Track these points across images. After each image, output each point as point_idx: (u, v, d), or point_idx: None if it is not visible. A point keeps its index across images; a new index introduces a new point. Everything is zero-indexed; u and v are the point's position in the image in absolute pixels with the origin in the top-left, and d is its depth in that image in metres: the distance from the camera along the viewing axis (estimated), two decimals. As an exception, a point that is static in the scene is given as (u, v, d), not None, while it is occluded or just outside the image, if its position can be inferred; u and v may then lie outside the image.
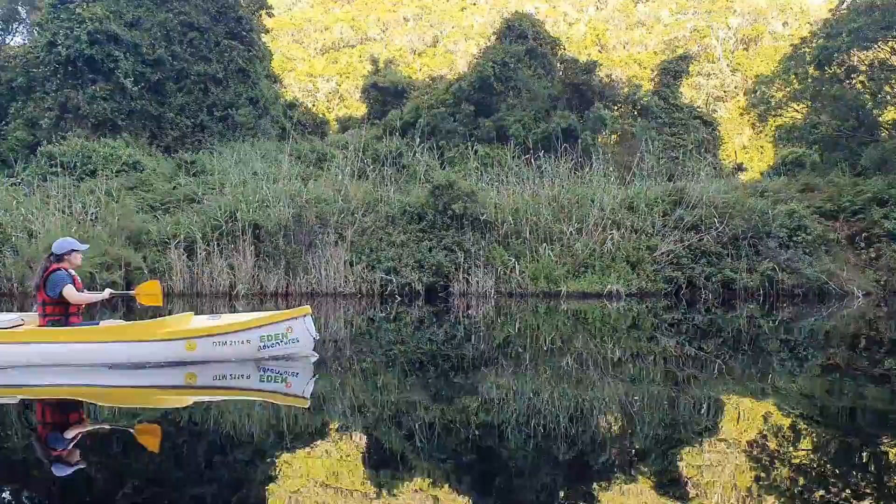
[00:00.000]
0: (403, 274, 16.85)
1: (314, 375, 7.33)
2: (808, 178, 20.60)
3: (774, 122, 24.30)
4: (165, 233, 16.94)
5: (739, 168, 34.38)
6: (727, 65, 52.81)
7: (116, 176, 19.71)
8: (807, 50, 22.99)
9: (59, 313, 7.27)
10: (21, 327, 7.33)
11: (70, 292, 7.17)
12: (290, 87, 54.24)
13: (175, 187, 19.54)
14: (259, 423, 5.69)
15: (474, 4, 65.57)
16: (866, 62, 23.34)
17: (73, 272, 7.43)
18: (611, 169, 20.44)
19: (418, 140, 21.86)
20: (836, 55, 21.95)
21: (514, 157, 21.14)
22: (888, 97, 23.02)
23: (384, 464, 4.73)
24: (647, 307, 15.31)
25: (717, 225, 17.80)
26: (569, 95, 26.36)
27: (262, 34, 28.32)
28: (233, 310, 12.74)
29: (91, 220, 17.01)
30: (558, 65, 27.09)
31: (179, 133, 24.80)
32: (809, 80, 23.32)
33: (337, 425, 5.66)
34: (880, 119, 22.59)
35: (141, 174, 20.20)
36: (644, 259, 17.49)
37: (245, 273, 16.52)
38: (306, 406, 6.22)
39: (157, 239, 16.88)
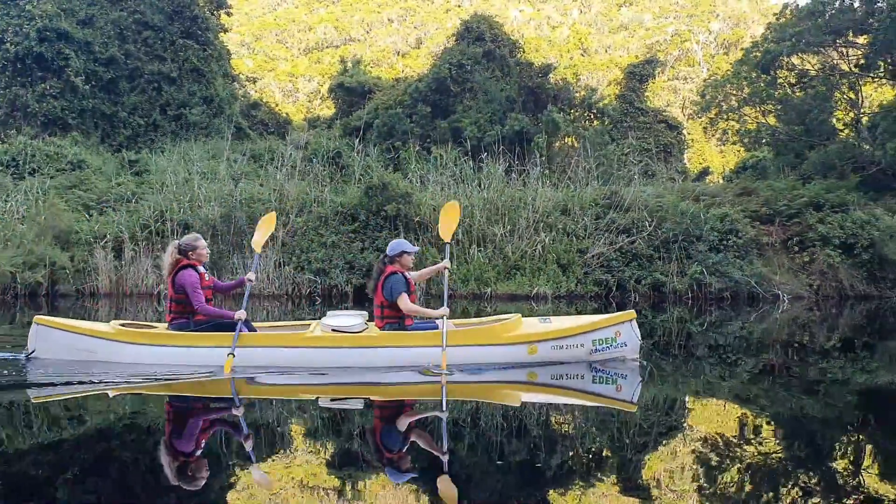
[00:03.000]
0: (333, 275, 16.85)
1: (641, 380, 7.29)
2: (746, 182, 20.60)
3: (726, 126, 24.30)
4: (94, 232, 16.94)
5: (705, 172, 34.39)
6: (707, 69, 52.78)
7: (58, 175, 19.72)
8: (756, 54, 23.01)
9: (397, 316, 7.23)
10: (367, 331, 7.28)
11: (405, 302, 7.11)
12: (270, 87, 54.33)
13: (114, 186, 19.54)
14: (585, 423, 5.77)
15: (459, 6, 65.62)
16: (816, 67, 23.37)
17: (407, 274, 7.40)
18: (551, 172, 20.46)
19: (359, 141, 21.80)
20: (779, 59, 21.95)
21: (465, 158, 21.13)
22: (838, 102, 23.03)
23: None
24: (576, 309, 15.28)
25: (649, 228, 17.81)
26: (524, 98, 26.36)
27: (221, 33, 28.31)
28: (159, 313, 12.77)
29: (18, 219, 16.98)
30: (515, 67, 27.09)
31: (132, 132, 24.82)
32: (762, 85, 23.33)
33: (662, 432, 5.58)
34: (829, 123, 22.55)
35: (81, 173, 20.19)
36: (575, 261, 17.49)
37: (171, 273, 16.49)
38: (633, 410, 6.10)
39: (86, 238, 16.88)
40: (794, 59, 23.07)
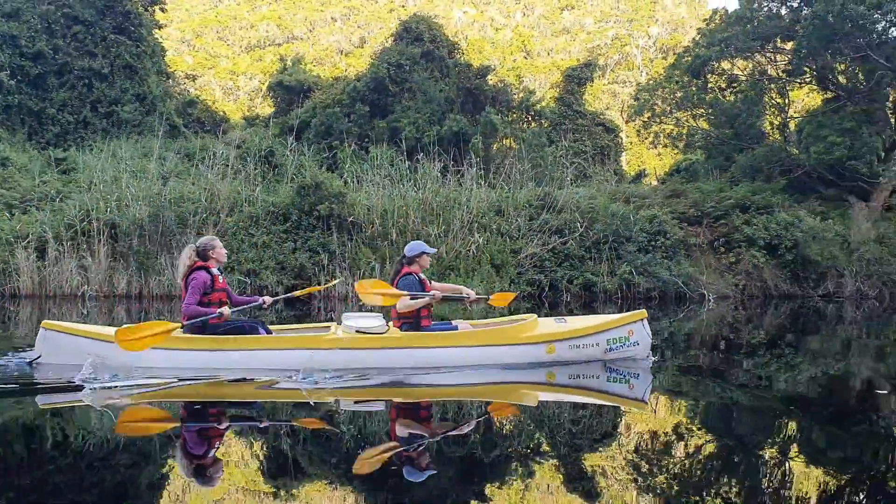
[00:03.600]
0: (263, 276, 16.64)
1: (653, 378, 7.43)
2: (676, 185, 21.04)
3: (659, 129, 24.78)
4: (15, 232, 16.42)
5: (641, 174, 34.99)
6: (645, 73, 53.72)
7: (-22, 172, 19.07)
8: (687, 59, 23.50)
9: (413, 317, 7.27)
10: (386, 334, 7.20)
11: (405, 303, 7.19)
12: (210, 85, 53.43)
13: (38, 185, 18.97)
14: (601, 421, 5.83)
15: (403, 7, 65.52)
16: (746, 72, 23.98)
17: (422, 275, 7.49)
18: (488, 173, 20.58)
19: (293, 140, 21.59)
20: (709, 64, 22.47)
21: (401, 158, 21.07)
22: (766, 107, 23.66)
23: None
24: (508, 309, 15.37)
25: (581, 229, 18.05)
26: (463, 99, 26.45)
27: (155, 29, 27.73)
28: (84, 316, 12.45)
29: (-67, 217, 16.38)
30: (454, 68, 27.17)
31: (60, 129, 24.12)
32: (694, 89, 23.83)
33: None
34: (758, 127, 23.15)
35: (4, 171, 19.55)
36: (508, 262, 17.63)
37: (96, 274, 16.11)
38: (644, 409, 6.22)
39: (7, 238, 16.35)
40: (725, 64, 23.64)
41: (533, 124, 27.26)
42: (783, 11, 22.33)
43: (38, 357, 7.11)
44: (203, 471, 4.40)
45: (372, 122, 26.28)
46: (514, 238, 18.15)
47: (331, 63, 56.12)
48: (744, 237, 18.69)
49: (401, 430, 5.41)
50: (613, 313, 8.62)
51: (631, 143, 40.03)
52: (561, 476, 4.35)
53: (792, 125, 24.23)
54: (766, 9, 22.22)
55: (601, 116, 34.23)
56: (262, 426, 5.48)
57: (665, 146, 26.11)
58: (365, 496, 3.96)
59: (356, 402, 6.39)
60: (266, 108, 45.83)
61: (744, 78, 23.84)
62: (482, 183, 19.30)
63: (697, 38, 23.91)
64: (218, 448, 4.92)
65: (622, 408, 6.26)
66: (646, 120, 24.80)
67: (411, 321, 7.27)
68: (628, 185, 22.96)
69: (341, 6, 65.47)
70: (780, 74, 23.44)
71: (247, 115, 40.19)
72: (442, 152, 21.35)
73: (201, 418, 5.86)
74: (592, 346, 7.54)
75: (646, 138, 26.41)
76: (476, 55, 53.16)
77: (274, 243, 17.20)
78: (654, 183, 29.68)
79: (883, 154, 21.28)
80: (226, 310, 7.02)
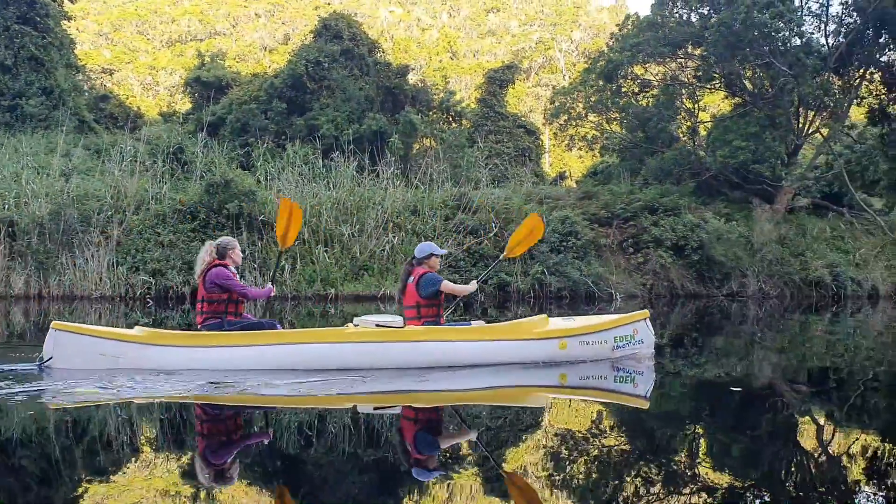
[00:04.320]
0: (169, 276, 16.22)
1: (654, 377, 7.56)
2: (588, 187, 21.44)
3: (574, 132, 25.20)
4: None
5: (562, 176, 35.51)
6: (568, 77, 54.57)
7: None
8: (601, 63, 23.96)
9: (434, 314, 7.29)
10: (406, 328, 7.21)
11: (447, 284, 7.30)
12: (128, 80, 51.92)
13: (-69, 180, 18.05)
14: (602, 422, 5.83)
15: (328, 4, 64.96)
16: (658, 77, 24.58)
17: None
18: (407, 173, 20.55)
19: (204, 136, 21.12)
20: (623, 69, 22.95)
21: (315, 156, 20.84)
22: (677, 111, 24.27)
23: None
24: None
25: (495, 229, 18.20)
26: (383, 98, 26.36)
27: (63, 21, 26.73)
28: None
29: None
30: (374, 67, 27.04)
31: (-41, 122, 23.03)
32: (608, 94, 24.28)
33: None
34: (668, 131, 23.75)
35: None
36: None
37: (-10, 273, 15.43)
38: (646, 407, 6.29)
39: None
40: (638, 69, 24.17)
41: (453, 125, 27.33)
42: (693, 18, 22.95)
43: (50, 359, 6.81)
44: (220, 474, 4.32)
45: (289, 120, 25.93)
46: (429, 238, 18.14)
47: (254, 59, 55.25)
48: (652, 238, 19.16)
49: (415, 433, 5.42)
50: (564, 315, 8.87)
51: (554, 145, 40.61)
52: (580, 475, 4.36)
53: (702, 130, 24.96)
54: (676, 16, 22.82)
55: (522, 118, 34.59)
56: (274, 429, 5.43)
57: (580, 149, 26.54)
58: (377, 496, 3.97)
59: (375, 409, 6.21)
60: (185, 105, 44.82)
61: (656, 83, 24.42)
62: (400, 183, 19.26)
63: (611, 43, 24.39)
64: (235, 450, 4.85)
65: (628, 405, 6.41)
66: (562, 123, 25.16)
67: (433, 319, 7.31)
68: (544, 187, 23.27)
69: (265, 2, 64.44)
70: (691, 80, 24.11)
71: (163, 112, 39.20)
72: (359, 151, 21.21)
73: (216, 421, 5.78)
74: (601, 343, 7.67)
75: (562, 141, 26.79)
76: (402, 55, 53.19)
77: (181, 242, 16.79)
78: (574, 185, 30.17)
79: (786, 158, 22.11)
80: (270, 285, 7.62)
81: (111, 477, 4.17)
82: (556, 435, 5.27)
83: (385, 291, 16.62)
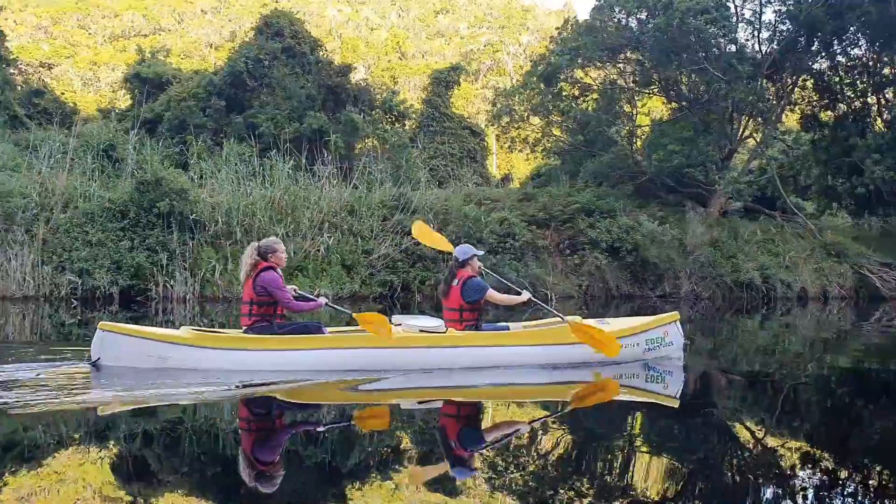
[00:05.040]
0: (97, 276, 15.77)
1: (684, 377, 7.87)
2: (528, 189, 21.56)
3: (516, 134, 25.31)
4: None
5: (507, 178, 35.68)
6: (516, 79, 54.88)
7: None
8: (542, 67, 24.11)
9: (475, 318, 7.45)
10: (448, 333, 7.35)
11: (494, 294, 7.52)
12: (67, 74, 50.60)
13: None
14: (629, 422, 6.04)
15: (276, 1, 64.27)
16: (598, 81, 24.84)
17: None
18: (349, 172, 20.36)
19: (137, 133, 20.64)
20: (563, 72, 23.13)
21: (250, 154, 20.51)
22: (616, 115, 24.56)
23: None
24: (359, 311, 15.20)
25: (434, 230, 18.12)
26: (324, 96, 26.13)
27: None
28: None
29: None
30: (316, 65, 26.78)
31: None
32: (550, 97, 24.45)
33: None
34: (607, 135, 24.00)
35: None
36: (360, 262, 17.49)
37: None
38: (676, 406, 6.52)
39: None
40: (578, 73, 24.39)
41: (396, 125, 27.22)
42: (632, 23, 23.23)
43: (98, 359, 6.92)
44: (264, 473, 4.37)
45: (228, 118, 25.51)
46: (366, 238, 18.04)
47: (199, 56, 54.32)
48: (588, 240, 19.34)
49: (457, 431, 5.59)
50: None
51: (501, 147, 40.80)
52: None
53: (640, 134, 25.30)
54: (615, 20, 23.08)
55: (468, 120, 34.64)
56: (319, 428, 5.49)
57: (520, 150, 26.68)
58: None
59: (419, 402, 6.60)
60: (125, 102, 43.81)
61: (596, 87, 24.68)
62: (338, 182, 19.09)
63: (551, 47, 24.56)
64: (280, 450, 4.92)
65: (657, 404, 6.64)
66: (504, 125, 25.26)
67: (473, 323, 7.49)
68: (485, 188, 23.30)
69: (212, -1, 63.55)
70: (630, 84, 24.41)
71: (102, 108, 38.26)
72: (297, 150, 20.95)
73: (265, 420, 5.86)
74: (634, 346, 7.86)
75: (505, 143, 26.90)
76: (350, 54, 52.84)
77: (110, 241, 16.34)
78: (518, 187, 30.31)
79: (720, 163, 22.53)
80: (324, 299, 7.39)
81: (158, 477, 4.28)
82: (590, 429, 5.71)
83: (319, 292, 16.41)
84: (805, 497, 4.01)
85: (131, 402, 6.00)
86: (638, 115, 26.35)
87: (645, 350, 7.96)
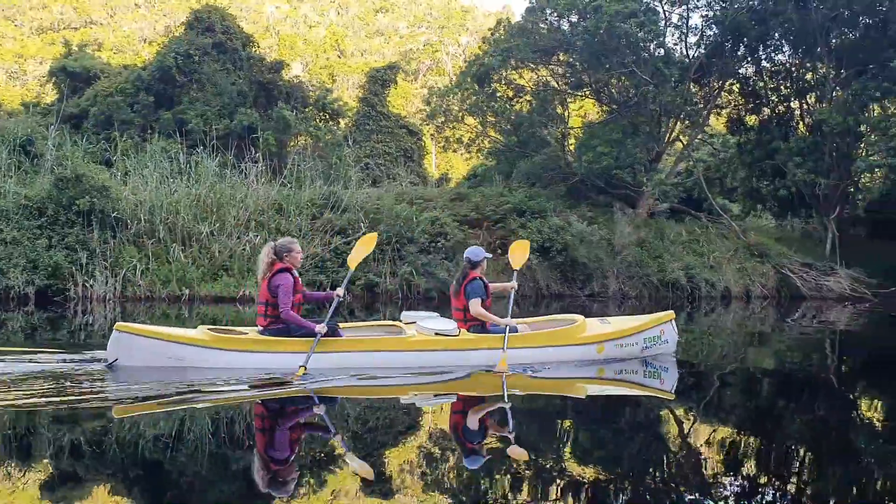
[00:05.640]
0: (11, 276, 15.18)
1: (679, 372, 8.33)
2: (461, 189, 21.60)
3: (450, 133, 25.34)
4: None
5: (444, 178, 35.69)
6: (453, 80, 54.97)
7: None
8: (476, 67, 24.18)
9: (480, 319, 7.69)
10: (461, 336, 7.63)
11: (475, 307, 7.68)
12: (-10, 68, 48.89)
13: None
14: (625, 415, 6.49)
15: (212, -4, 63.09)
16: (531, 82, 25.02)
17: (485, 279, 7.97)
18: (279, 169, 20.07)
19: (55, 128, 19.99)
20: (496, 72, 23.24)
21: (176, 151, 20.04)
22: (549, 117, 24.75)
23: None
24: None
25: (364, 229, 18.00)
26: (256, 93, 25.74)
27: None
28: None
29: None
30: (248, 61, 26.35)
31: None
32: (484, 97, 24.53)
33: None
34: (539, 136, 24.19)
35: None
36: (287, 262, 17.21)
37: None
38: (672, 398, 7.03)
39: None
40: (512, 74, 24.53)
41: (330, 122, 26.96)
42: (564, 26, 23.45)
43: (116, 360, 7.01)
44: (278, 474, 4.45)
45: (157, 114, 24.90)
46: (294, 237, 17.74)
47: (133, 51, 52.94)
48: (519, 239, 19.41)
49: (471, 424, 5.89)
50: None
51: (438, 146, 40.79)
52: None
53: (572, 136, 25.58)
54: (547, 22, 23.27)
55: (405, 119, 34.52)
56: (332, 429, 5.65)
57: (455, 150, 26.71)
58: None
59: (435, 395, 6.97)
60: (52, 96, 42.40)
61: (530, 88, 24.86)
62: (267, 180, 18.80)
63: (485, 48, 24.66)
64: (294, 449, 5.04)
65: (655, 398, 7.16)
66: (439, 124, 25.26)
67: (479, 323, 7.75)
68: (418, 188, 23.19)
69: (145, -8, 62.04)
70: (562, 86, 24.65)
71: (27, 102, 36.98)
72: (223, 147, 20.59)
73: (275, 420, 5.97)
74: (633, 345, 8.35)
75: (439, 142, 26.91)
76: (287, 51, 52.21)
77: (26, 240, 15.76)
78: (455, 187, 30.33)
79: (648, 164, 22.92)
80: (323, 327, 7.08)
81: (176, 477, 4.34)
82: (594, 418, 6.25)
83: (245, 292, 16.15)
84: (726, 491, 4.15)
85: (148, 402, 6.11)
86: (571, 117, 26.65)
87: (643, 349, 8.43)
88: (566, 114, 25.45)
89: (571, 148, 24.95)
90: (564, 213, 20.78)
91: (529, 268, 19.34)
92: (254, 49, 27.47)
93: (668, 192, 22.25)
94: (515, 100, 25.01)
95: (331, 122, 27.08)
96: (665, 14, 23.17)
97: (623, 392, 7.51)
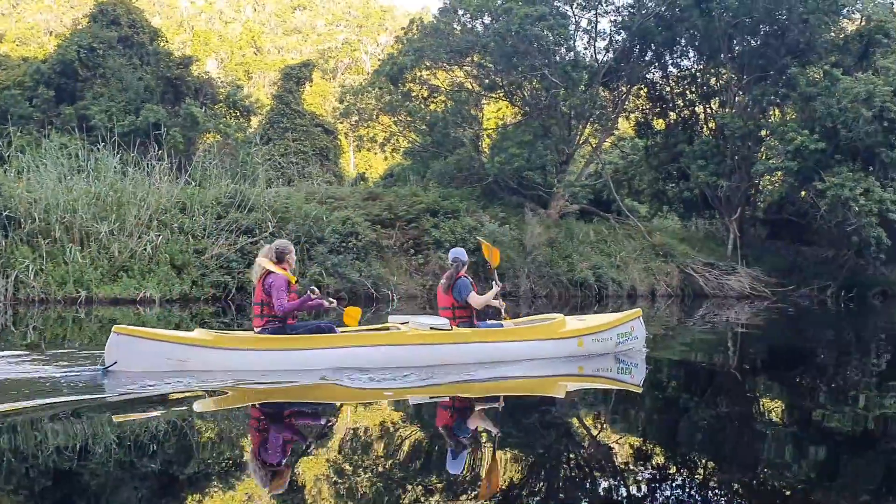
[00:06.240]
0: None
1: (647, 367, 8.61)
2: (374, 188, 21.47)
3: (365, 132, 25.17)
4: None
5: (361, 177, 35.43)
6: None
7: None
8: (389, 66, 24.08)
9: (468, 316, 8.01)
10: (453, 330, 7.81)
11: (474, 299, 8.01)
12: None
13: None
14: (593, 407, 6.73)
15: (122, -12, 61.05)
16: (446, 83, 25.07)
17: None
18: (186, 167, 19.50)
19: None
20: (409, 72, 23.20)
21: (80, 148, 19.22)
22: (464, 118, 24.85)
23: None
24: (191, 313, 14.58)
25: (271, 228, 17.67)
26: (164, 89, 24.99)
27: None
28: None
29: None
30: (154, 56, 25.56)
31: None
32: (399, 97, 24.44)
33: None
34: (453, 137, 24.25)
35: None
36: (191, 262, 16.74)
37: None
38: (640, 391, 7.36)
39: None
40: (426, 74, 24.53)
41: (241, 119, 26.42)
42: (478, 27, 23.58)
43: (114, 363, 6.81)
44: (272, 473, 4.43)
45: (58, 109, 23.92)
46: (198, 237, 17.30)
47: (38, 44, 50.78)
48: (432, 240, 19.45)
49: (459, 422, 5.95)
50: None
51: (358, 146, 40.50)
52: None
53: (486, 136, 25.76)
54: (461, 23, 23.36)
55: (321, 117, 34.12)
56: (328, 424, 5.75)
57: (369, 149, 26.56)
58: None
59: (431, 398, 6.91)
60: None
61: (444, 89, 24.91)
62: (172, 178, 18.22)
63: (398, 47, 24.59)
64: (287, 449, 5.00)
65: (625, 391, 7.44)
66: (353, 123, 25.05)
67: (467, 320, 8.06)
68: (330, 187, 22.92)
69: (52, -17, 59.60)
70: (476, 88, 24.79)
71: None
72: (128, 144, 19.87)
73: (271, 420, 5.90)
74: (608, 339, 8.67)
75: (353, 141, 26.71)
76: (202, 47, 50.96)
77: None
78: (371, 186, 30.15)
79: (559, 166, 23.28)
80: (316, 290, 7.39)
81: (180, 482, 4.27)
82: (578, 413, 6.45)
83: (146, 294, 15.63)
84: (638, 488, 4.22)
85: (151, 403, 6.04)
86: (489, 119, 26.83)
87: (617, 343, 8.77)
88: (480, 115, 25.61)
89: (485, 149, 25.11)
90: (477, 213, 20.90)
91: (442, 268, 19.38)
92: (162, 44, 26.68)
93: (577, 193, 22.64)
94: (431, 100, 25.02)
95: (241, 120, 26.53)
96: (575, 18, 23.57)
97: (602, 386, 7.87)
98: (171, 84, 25.09)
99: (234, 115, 26.46)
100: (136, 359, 6.89)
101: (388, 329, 8.03)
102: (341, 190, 21.44)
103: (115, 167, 17.93)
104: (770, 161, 22.72)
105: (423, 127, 24.15)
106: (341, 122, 27.20)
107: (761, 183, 26.12)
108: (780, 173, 23.44)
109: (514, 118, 26.91)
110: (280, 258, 7.36)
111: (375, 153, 33.57)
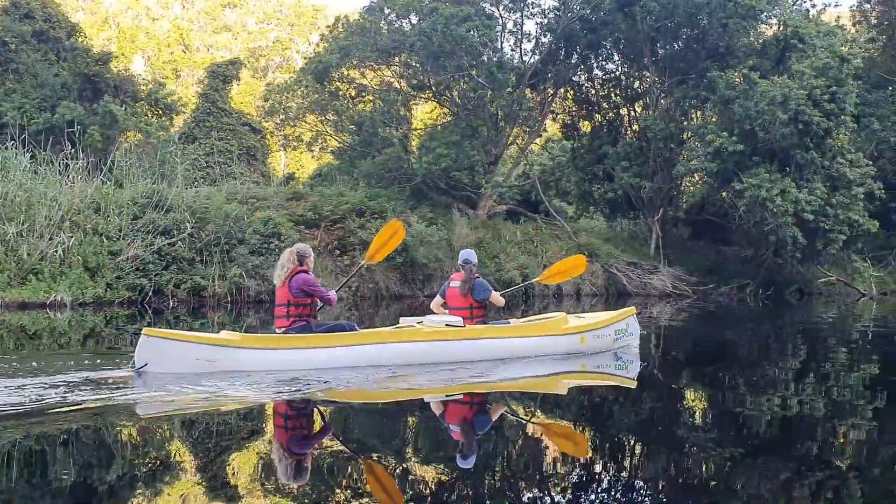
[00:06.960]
0: None
1: (641, 363, 9.08)
2: (297, 188, 21.16)
3: (290, 131, 24.81)
4: None
5: (290, 176, 34.93)
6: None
7: None
8: (316, 65, 23.80)
9: (483, 315, 8.47)
10: (467, 327, 8.18)
11: (496, 298, 8.64)
12: None
13: None
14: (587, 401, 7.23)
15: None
16: (374, 82, 24.90)
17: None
18: (104, 166, 18.87)
19: None
20: (336, 71, 22.96)
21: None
22: (392, 117, 24.72)
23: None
24: (105, 317, 14.06)
25: (189, 229, 17.22)
26: (81, 86, 24.18)
27: None
28: None
29: None
30: (72, 52, 24.71)
31: None
32: (327, 95, 24.16)
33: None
34: (381, 136, 24.10)
35: None
36: (105, 265, 16.17)
37: None
38: (634, 386, 7.82)
39: None
40: (354, 73, 24.31)
41: (164, 118, 25.74)
42: (405, 27, 23.48)
43: (145, 365, 7.03)
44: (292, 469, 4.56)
45: (-32, 106, 22.92)
46: (113, 239, 16.73)
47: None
48: (359, 241, 19.26)
49: (469, 420, 6.16)
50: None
51: (287, 145, 39.92)
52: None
53: (414, 136, 25.68)
54: (387, 22, 23.23)
55: (247, 116, 33.49)
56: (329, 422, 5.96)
57: (294, 148, 26.18)
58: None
59: (447, 396, 7.05)
60: None
61: (373, 88, 24.73)
62: (86, 177, 17.60)
63: (324, 45, 24.32)
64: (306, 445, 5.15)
65: (621, 386, 7.95)
66: (278, 122, 24.66)
67: (483, 319, 8.51)
68: (253, 187, 22.40)
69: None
70: (405, 88, 24.69)
71: None
72: (41, 143, 19.14)
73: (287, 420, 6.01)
74: (607, 336, 9.12)
75: (278, 140, 26.31)
76: (128, 44, 49.54)
77: None
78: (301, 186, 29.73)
79: (487, 167, 23.36)
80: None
81: (209, 477, 4.36)
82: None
83: (56, 297, 15.04)
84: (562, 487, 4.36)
85: (182, 405, 6.23)
86: (417, 119, 26.75)
87: (614, 340, 9.22)
88: (409, 115, 25.52)
89: (414, 149, 25.04)
90: (405, 213, 20.76)
91: (369, 268, 19.20)
92: (81, 39, 25.81)
93: (505, 194, 22.76)
94: (359, 99, 24.81)
95: (164, 118, 25.85)
96: (501, 20, 23.67)
97: (601, 381, 8.29)
98: (90, 81, 24.30)
99: (156, 113, 25.75)
100: (167, 360, 7.12)
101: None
102: (264, 190, 21.04)
103: (25, 166, 17.25)
104: (691, 162, 23.24)
105: (352, 126, 23.93)
106: (267, 121, 26.70)
107: (683, 184, 26.69)
108: (700, 174, 24.01)
109: (444, 119, 26.91)
110: (301, 261, 7.71)
111: (303, 153, 33.16)
